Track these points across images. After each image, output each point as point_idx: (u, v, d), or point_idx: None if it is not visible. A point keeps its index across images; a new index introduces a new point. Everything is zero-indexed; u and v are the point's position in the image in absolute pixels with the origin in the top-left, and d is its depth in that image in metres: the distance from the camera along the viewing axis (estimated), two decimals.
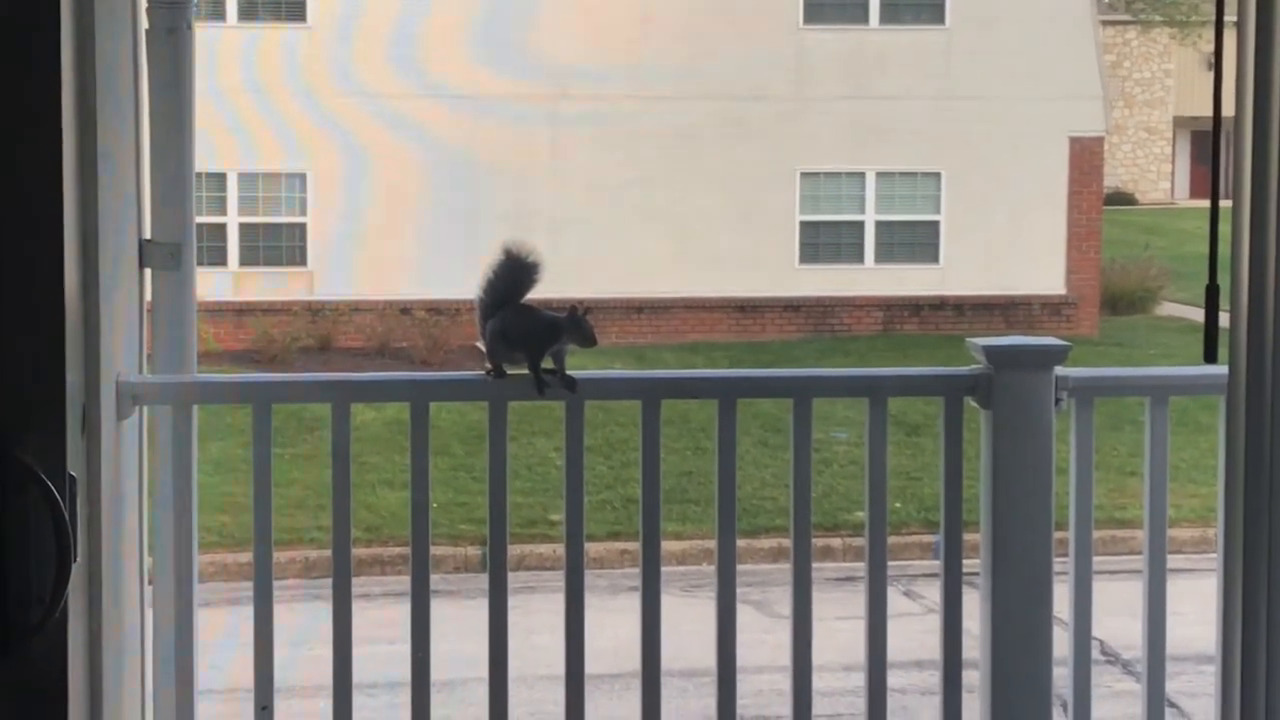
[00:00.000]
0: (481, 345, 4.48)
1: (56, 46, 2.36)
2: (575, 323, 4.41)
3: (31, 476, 2.25)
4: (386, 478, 15.47)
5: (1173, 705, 10.23)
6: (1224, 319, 3.05)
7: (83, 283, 2.67)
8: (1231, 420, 2.94)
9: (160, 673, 4.38)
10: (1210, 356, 3.07)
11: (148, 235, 4.36)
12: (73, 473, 2.33)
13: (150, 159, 4.35)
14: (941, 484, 4.59)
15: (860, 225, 25.24)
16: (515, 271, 4.45)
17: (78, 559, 2.32)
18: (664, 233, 24.47)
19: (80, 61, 2.67)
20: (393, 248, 23.93)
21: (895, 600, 9.01)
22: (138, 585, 4.15)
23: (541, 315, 4.42)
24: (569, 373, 4.43)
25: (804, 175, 25.07)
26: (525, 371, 4.41)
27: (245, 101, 22.81)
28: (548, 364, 4.42)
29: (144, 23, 4.35)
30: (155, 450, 4.38)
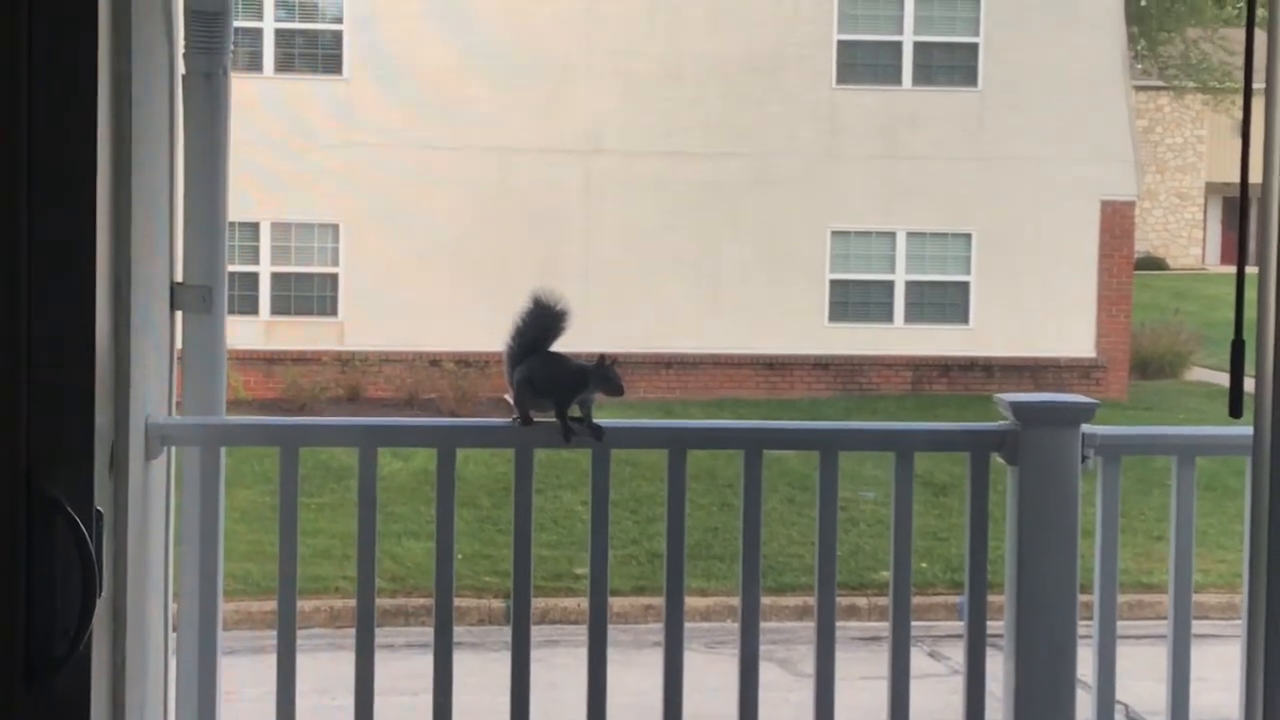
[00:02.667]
0: (510, 396, 4.49)
1: (94, 91, 2.38)
2: (603, 371, 4.42)
3: (59, 510, 2.27)
4: (412, 529, 15.47)
5: None
6: (1249, 384, 3.05)
7: (114, 323, 2.69)
8: (1256, 480, 2.94)
9: (183, 717, 4.38)
10: (1235, 411, 3.07)
11: (179, 278, 4.38)
12: (99, 508, 2.34)
13: (184, 202, 4.38)
14: (967, 538, 4.58)
15: (890, 284, 25.25)
16: (544, 319, 4.46)
17: (103, 593, 2.33)
18: (694, 288, 24.50)
19: (117, 106, 2.70)
20: (423, 299, 23.99)
21: (919, 661, 8.98)
22: (161, 625, 4.15)
23: (569, 363, 4.44)
24: (596, 421, 4.44)
25: (834, 234, 25.10)
26: (553, 420, 4.42)
27: (280, 152, 22.93)
28: (575, 413, 4.42)
29: (181, 68, 4.39)
30: (182, 492, 4.40)
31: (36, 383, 2.29)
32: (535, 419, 4.44)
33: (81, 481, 2.29)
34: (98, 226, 2.40)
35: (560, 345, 4.48)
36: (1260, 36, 2.98)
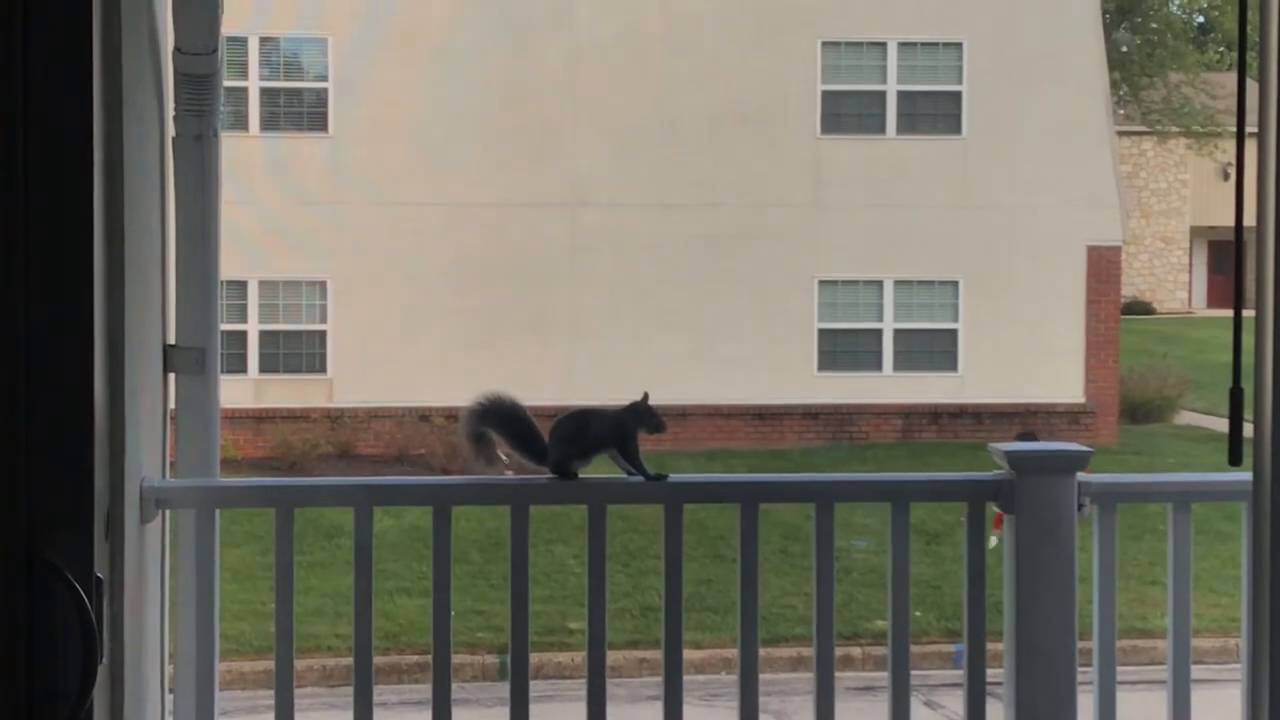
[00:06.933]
0: (505, 454, 4.50)
1: (88, 157, 2.38)
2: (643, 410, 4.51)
3: (59, 577, 2.26)
4: (404, 586, 15.42)
5: None
6: (1247, 429, 3.05)
7: (109, 387, 2.68)
8: (1257, 527, 2.93)
9: None
10: (1235, 459, 3.07)
11: (172, 340, 4.37)
12: (99, 574, 2.33)
13: (176, 264, 4.37)
14: (965, 587, 4.57)
15: (878, 333, 25.28)
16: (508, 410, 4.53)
17: (103, 659, 2.31)
18: (683, 339, 24.52)
19: (108, 170, 2.69)
20: (412, 354, 24.00)
21: (916, 710, 8.93)
22: (159, 689, 4.13)
23: (609, 411, 4.53)
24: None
25: (822, 283, 25.14)
26: (547, 475, 4.44)
27: (267, 210, 22.95)
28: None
29: (171, 130, 4.39)
30: (178, 554, 4.38)
31: (35, 450, 2.28)
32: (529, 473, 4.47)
33: (81, 548, 2.28)
34: (93, 293, 2.39)
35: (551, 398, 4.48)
36: (1251, 79, 2.99)
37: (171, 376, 4.38)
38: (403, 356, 24.01)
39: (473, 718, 11.35)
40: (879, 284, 25.25)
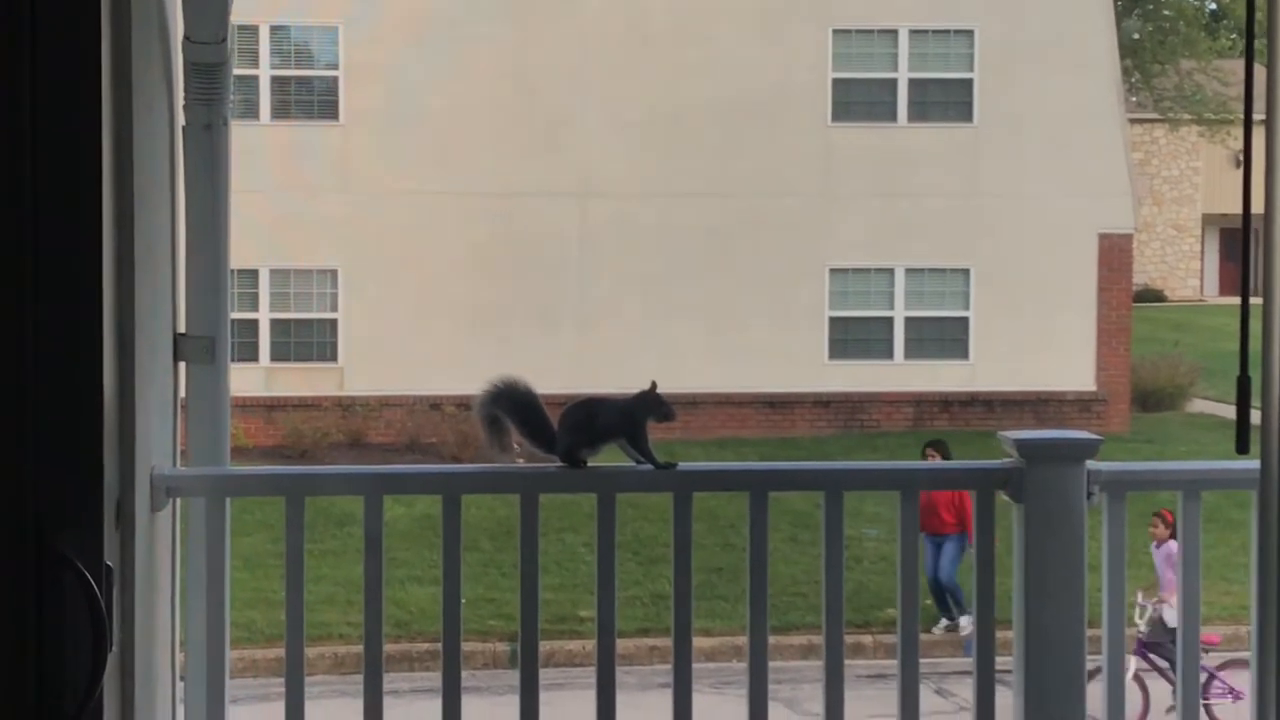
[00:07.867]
0: (519, 445, 4.50)
1: (98, 145, 2.39)
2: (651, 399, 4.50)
3: (68, 566, 2.26)
4: (416, 574, 15.45)
5: None
6: (1256, 417, 3.05)
7: (119, 376, 2.69)
8: (1265, 515, 2.93)
9: None
10: (1243, 448, 3.07)
11: (182, 329, 4.38)
12: (109, 563, 2.33)
13: (186, 253, 4.38)
14: (974, 575, 4.58)
15: (889, 321, 25.26)
16: (520, 395, 4.51)
17: (113, 648, 2.32)
18: (693, 328, 24.51)
19: (118, 160, 2.70)
20: (423, 343, 24.01)
21: (927, 698, 8.94)
22: (170, 678, 4.14)
23: (618, 400, 4.52)
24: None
25: (833, 271, 25.12)
26: (556, 463, 4.44)
27: (278, 198, 22.96)
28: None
29: (181, 119, 4.39)
30: (188, 542, 4.39)
31: (44, 439, 2.28)
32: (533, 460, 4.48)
33: (91, 538, 2.29)
34: (103, 281, 2.40)
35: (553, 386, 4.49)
36: (1259, 66, 2.99)
37: (182, 365, 4.39)
38: (413, 345, 24.03)
39: (483, 705, 11.34)
40: (890, 272, 25.23)
